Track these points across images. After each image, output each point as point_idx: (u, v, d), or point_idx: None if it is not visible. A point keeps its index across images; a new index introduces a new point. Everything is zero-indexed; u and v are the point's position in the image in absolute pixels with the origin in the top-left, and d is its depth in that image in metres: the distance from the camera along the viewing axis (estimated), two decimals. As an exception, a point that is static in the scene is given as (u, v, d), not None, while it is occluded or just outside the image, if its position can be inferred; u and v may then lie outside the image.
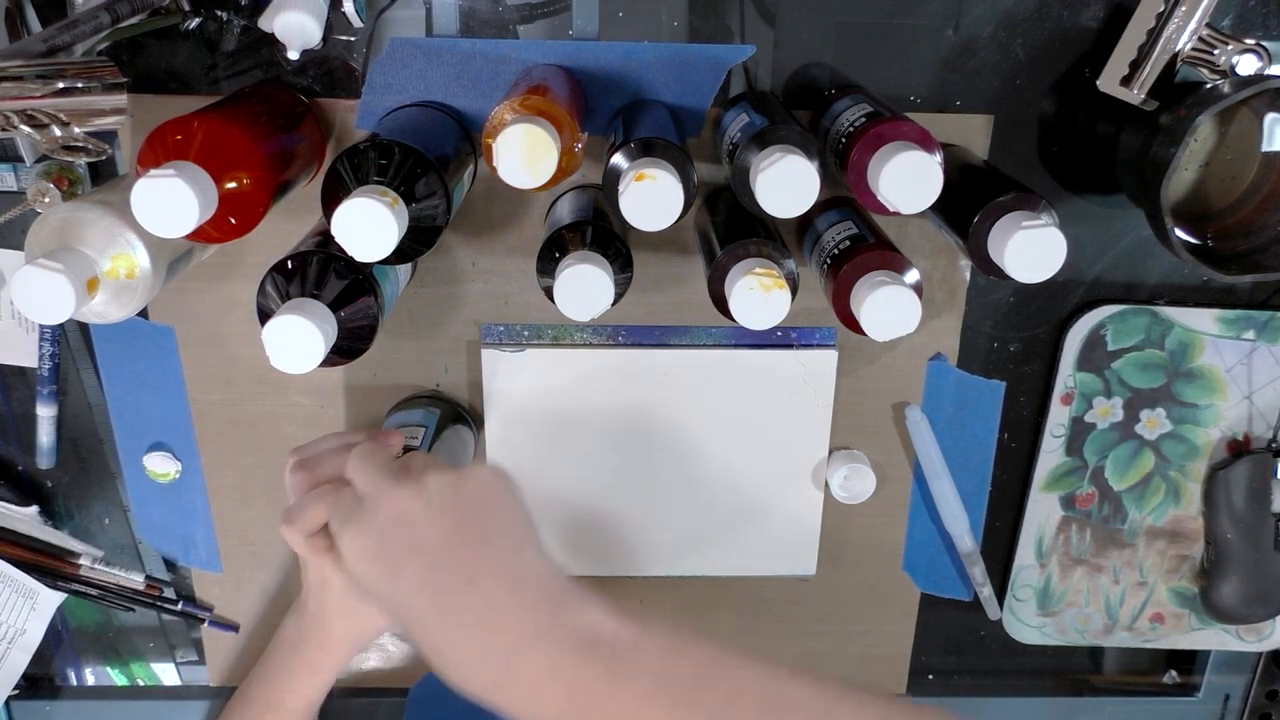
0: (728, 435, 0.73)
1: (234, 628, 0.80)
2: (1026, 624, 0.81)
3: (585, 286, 0.57)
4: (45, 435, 0.73)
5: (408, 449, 0.64)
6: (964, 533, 0.76)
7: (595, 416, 0.72)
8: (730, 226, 0.62)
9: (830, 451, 0.74)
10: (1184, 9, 0.59)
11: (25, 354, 0.71)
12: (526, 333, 0.71)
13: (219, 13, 0.61)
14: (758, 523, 0.76)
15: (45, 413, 0.72)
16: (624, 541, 0.77)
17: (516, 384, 0.71)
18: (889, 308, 0.56)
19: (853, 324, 0.58)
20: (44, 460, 0.74)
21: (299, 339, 0.54)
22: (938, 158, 0.53)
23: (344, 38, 0.63)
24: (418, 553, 0.47)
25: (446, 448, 0.68)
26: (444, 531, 0.48)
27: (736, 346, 0.71)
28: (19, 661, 0.79)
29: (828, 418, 0.73)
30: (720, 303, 0.59)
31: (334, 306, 0.57)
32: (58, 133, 0.57)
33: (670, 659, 0.44)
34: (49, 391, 0.72)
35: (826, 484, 0.75)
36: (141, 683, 0.83)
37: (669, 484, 0.75)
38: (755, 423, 0.73)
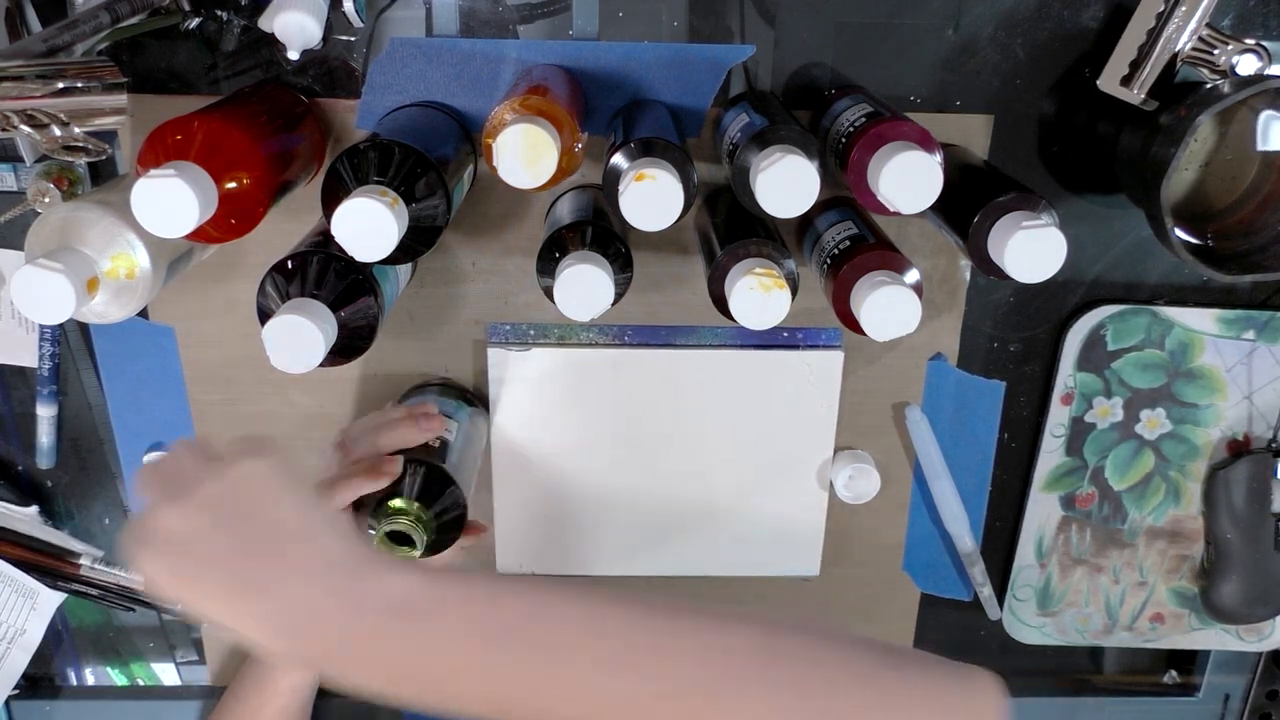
0: (732, 435, 0.73)
1: (234, 628, 0.80)
2: (1026, 624, 0.81)
3: (585, 286, 0.57)
4: (45, 435, 0.73)
5: (442, 442, 0.65)
6: (964, 533, 0.76)
7: (600, 416, 0.72)
8: (730, 226, 0.62)
9: (834, 451, 0.74)
10: (1184, 9, 0.60)
11: (25, 354, 0.71)
12: (533, 332, 0.71)
13: (219, 13, 0.61)
14: (762, 522, 0.76)
15: (45, 413, 0.72)
16: (627, 541, 0.77)
17: (522, 383, 0.71)
18: (889, 308, 0.56)
19: (853, 324, 0.58)
20: (44, 460, 0.74)
21: (299, 339, 0.54)
22: (938, 158, 0.53)
23: (344, 38, 0.63)
24: (208, 566, 0.46)
25: (470, 441, 0.68)
26: (224, 543, 0.47)
27: (742, 347, 0.71)
28: (19, 661, 0.79)
29: (833, 418, 0.73)
30: (720, 303, 0.59)
31: (334, 306, 0.57)
32: (58, 133, 0.57)
33: (479, 611, 0.44)
34: (49, 391, 0.72)
35: (831, 484, 0.75)
36: (141, 682, 0.83)
37: (673, 484, 0.75)
38: (760, 423, 0.73)
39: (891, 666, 0.45)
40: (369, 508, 0.63)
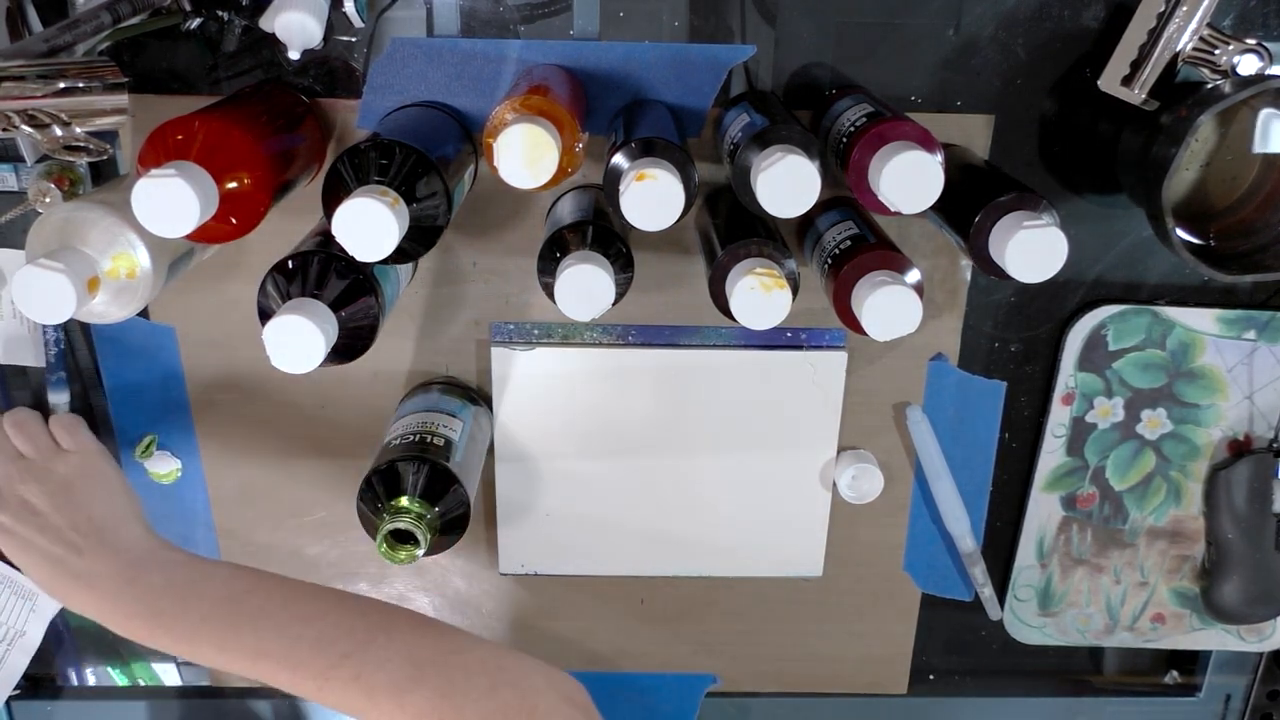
0: (736, 435, 0.73)
1: (235, 628, 0.80)
2: (1027, 624, 0.81)
3: (586, 286, 0.57)
4: None
5: (446, 441, 0.65)
6: (965, 533, 0.76)
7: (604, 415, 0.72)
8: (731, 226, 0.62)
9: (837, 451, 0.74)
10: (1185, 9, 0.59)
11: (27, 353, 0.71)
12: (536, 331, 0.71)
13: (220, 13, 0.61)
14: (765, 523, 0.76)
15: (57, 400, 0.72)
16: (631, 540, 0.77)
17: (525, 382, 0.71)
18: (890, 308, 0.56)
19: (854, 324, 0.58)
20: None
21: (300, 339, 0.54)
22: (938, 157, 0.53)
23: (345, 38, 0.63)
24: (41, 532, 0.63)
25: (473, 440, 0.68)
26: (59, 521, 0.63)
27: (746, 347, 0.71)
28: (19, 662, 0.79)
29: (836, 419, 0.73)
30: (721, 303, 0.59)
31: (335, 306, 0.56)
32: (59, 132, 0.58)
33: (217, 582, 0.60)
34: (57, 378, 0.71)
35: (834, 484, 0.75)
36: (142, 683, 0.83)
37: (677, 483, 0.75)
38: (763, 423, 0.73)
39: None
40: (370, 505, 0.63)
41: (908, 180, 0.53)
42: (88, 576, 0.61)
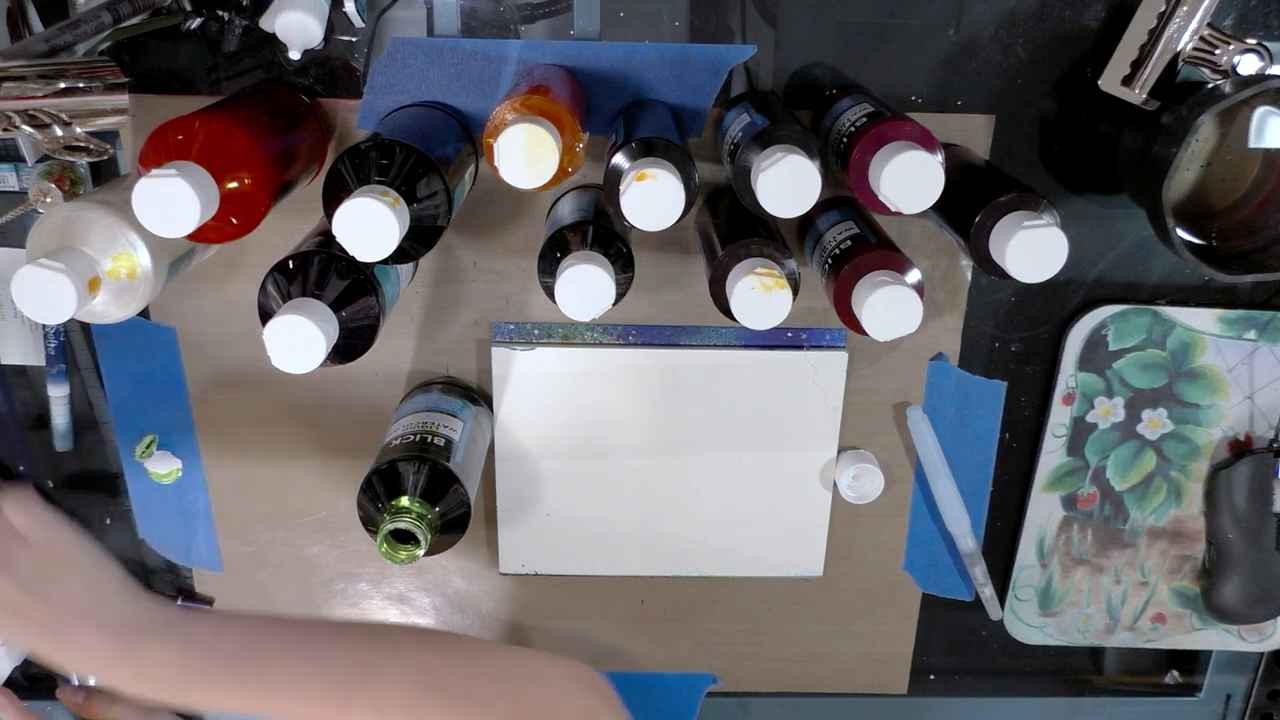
0: (736, 435, 0.73)
1: (235, 628, 0.80)
2: (1028, 624, 0.81)
3: (586, 286, 0.57)
4: (60, 417, 0.73)
5: (446, 441, 0.65)
6: (965, 533, 0.76)
7: (604, 415, 0.72)
8: (731, 226, 0.62)
9: (837, 451, 0.74)
10: (1185, 9, 0.59)
11: (28, 353, 0.71)
12: (537, 331, 0.71)
13: (220, 13, 0.61)
14: (765, 523, 0.76)
15: (57, 393, 0.72)
16: (631, 540, 0.77)
17: (525, 382, 0.71)
18: (890, 308, 0.56)
19: (854, 324, 0.58)
20: (61, 443, 0.74)
21: (300, 339, 0.54)
22: (939, 157, 0.53)
23: (345, 38, 0.63)
24: (25, 624, 0.59)
25: (474, 440, 0.68)
26: (38, 611, 0.59)
27: (746, 347, 0.71)
28: (15, 656, 0.79)
29: (837, 418, 0.73)
30: (721, 303, 0.59)
31: (335, 306, 0.56)
32: (59, 132, 0.57)
33: (217, 639, 0.58)
34: (58, 371, 0.71)
35: (834, 484, 0.75)
36: (142, 683, 0.83)
37: (677, 483, 0.75)
38: (764, 423, 0.73)
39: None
40: (371, 505, 0.63)
41: (908, 180, 0.53)
42: (84, 654, 0.59)
